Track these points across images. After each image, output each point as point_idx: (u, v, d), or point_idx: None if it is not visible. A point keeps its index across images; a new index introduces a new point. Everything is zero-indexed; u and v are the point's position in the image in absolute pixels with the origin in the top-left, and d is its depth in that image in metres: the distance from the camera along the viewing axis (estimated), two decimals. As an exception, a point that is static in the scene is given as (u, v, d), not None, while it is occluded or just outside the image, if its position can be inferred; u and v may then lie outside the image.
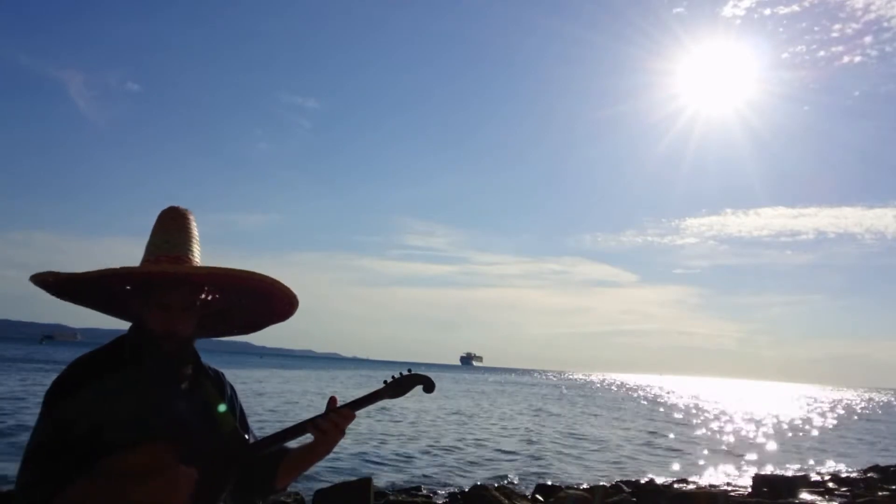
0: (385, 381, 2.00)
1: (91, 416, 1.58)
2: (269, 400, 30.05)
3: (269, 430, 2.02)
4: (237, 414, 1.96)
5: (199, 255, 1.82)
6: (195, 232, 1.84)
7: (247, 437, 1.89)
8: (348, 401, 1.95)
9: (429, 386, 2.02)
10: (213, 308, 1.87)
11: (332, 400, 1.92)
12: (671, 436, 25.09)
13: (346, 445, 14.88)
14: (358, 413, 1.93)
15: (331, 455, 1.99)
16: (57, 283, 1.69)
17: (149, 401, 1.66)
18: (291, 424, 1.90)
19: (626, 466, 16.87)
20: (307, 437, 1.91)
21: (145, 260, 1.76)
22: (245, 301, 1.88)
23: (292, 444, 1.96)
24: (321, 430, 1.85)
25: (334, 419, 1.85)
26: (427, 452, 16.72)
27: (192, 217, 1.85)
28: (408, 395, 2.00)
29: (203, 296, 1.80)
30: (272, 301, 1.89)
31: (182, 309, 1.73)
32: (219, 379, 1.94)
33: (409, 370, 2.04)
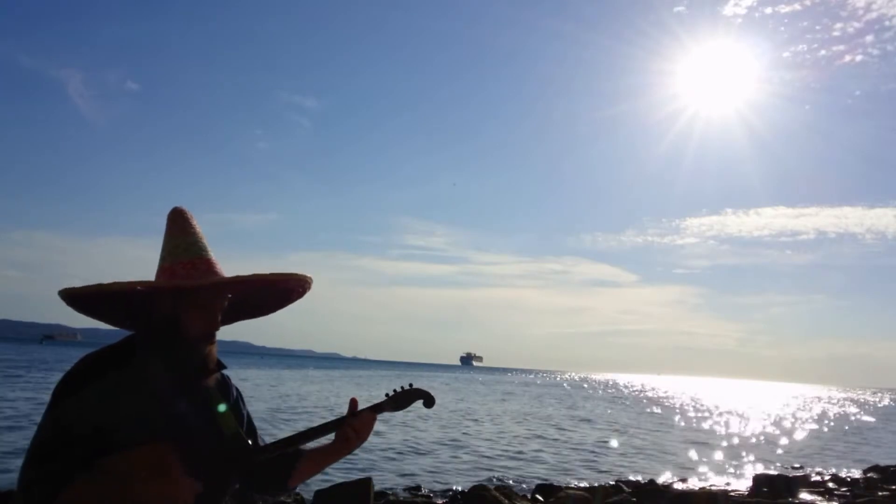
0: (387, 394, 2.03)
1: (94, 416, 1.57)
2: (269, 401, 30.03)
3: (268, 430, 2.04)
4: (244, 417, 1.95)
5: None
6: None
7: (251, 440, 1.89)
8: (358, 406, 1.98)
9: (429, 401, 2.06)
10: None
11: (354, 402, 1.95)
12: (671, 436, 25.10)
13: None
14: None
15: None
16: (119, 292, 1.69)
17: (153, 401, 1.65)
18: (316, 425, 1.93)
19: (627, 466, 16.87)
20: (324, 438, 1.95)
21: (177, 262, 1.76)
22: (263, 293, 1.93)
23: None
24: (344, 435, 1.91)
25: (355, 426, 1.90)
26: (427, 452, 16.73)
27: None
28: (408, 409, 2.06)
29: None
30: (289, 294, 1.94)
31: (219, 310, 1.78)
32: (224, 381, 1.94)
33: (411, 384, 2.07)
